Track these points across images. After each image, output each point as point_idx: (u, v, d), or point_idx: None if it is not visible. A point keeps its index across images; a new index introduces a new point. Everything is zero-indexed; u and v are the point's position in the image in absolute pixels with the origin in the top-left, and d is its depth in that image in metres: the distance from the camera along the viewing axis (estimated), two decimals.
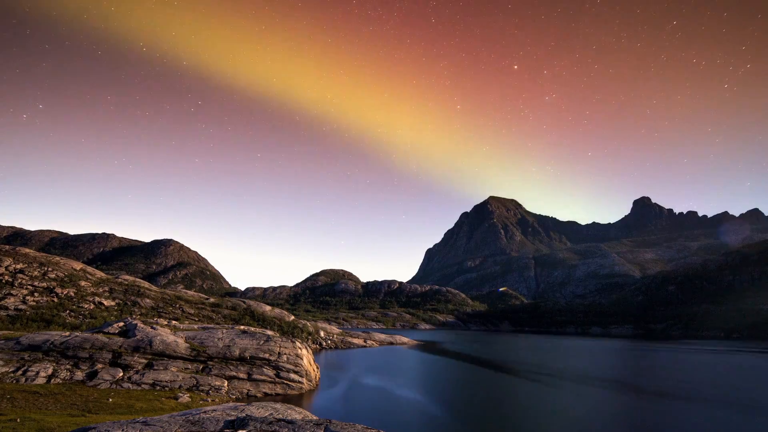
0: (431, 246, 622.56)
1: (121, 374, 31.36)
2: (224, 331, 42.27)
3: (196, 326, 46.43)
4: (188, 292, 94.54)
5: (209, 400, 29.85)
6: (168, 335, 37.96)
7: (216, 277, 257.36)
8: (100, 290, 64.14)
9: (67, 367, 30.83)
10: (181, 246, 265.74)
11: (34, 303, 51.72)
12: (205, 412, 19.70)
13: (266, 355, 37.79)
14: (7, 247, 66.88)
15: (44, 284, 57.15)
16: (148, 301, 66.74)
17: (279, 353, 38.57)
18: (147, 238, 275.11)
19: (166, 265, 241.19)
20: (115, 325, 40.73)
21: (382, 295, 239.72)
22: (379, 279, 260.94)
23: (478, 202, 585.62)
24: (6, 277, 54.54)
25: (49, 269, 62.47)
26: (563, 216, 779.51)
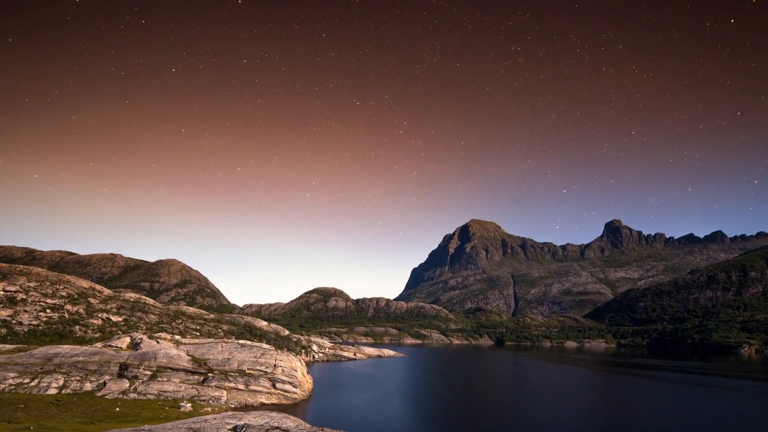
0: (416, 265, 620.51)
1: (128, 385, 31.53)
2: (224, 344, 42.48)
3: (197, 340, 46.51)
4: (189, 308, 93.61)
5: (209, 409, 30.10)
6: (171, 349, 38.19)
7: (215, 294, 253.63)
8: (108, 306, 63.71)
9: (77, 378, 30.97)
10: (183, 265, 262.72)
11: (47, 318, 51.35)
12: (205, 420, 20.27)
13: (263, 368, 38.10)
14: (21, 266, 66.50)
15: (55, 301, 56.79)
16: (152, 316, 66.35)
17: (275, 365, 38.89)
18: (151, 258, 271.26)
19: (169, 283, 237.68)
20: (122, 339, 40.82)
21: (371, 312, 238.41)
22: (368, 296, 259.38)
23: (461, 224, 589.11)
24: (20, 295, 54.19)
25: (60, 287, 62.10)
26: (540, 237, 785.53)
